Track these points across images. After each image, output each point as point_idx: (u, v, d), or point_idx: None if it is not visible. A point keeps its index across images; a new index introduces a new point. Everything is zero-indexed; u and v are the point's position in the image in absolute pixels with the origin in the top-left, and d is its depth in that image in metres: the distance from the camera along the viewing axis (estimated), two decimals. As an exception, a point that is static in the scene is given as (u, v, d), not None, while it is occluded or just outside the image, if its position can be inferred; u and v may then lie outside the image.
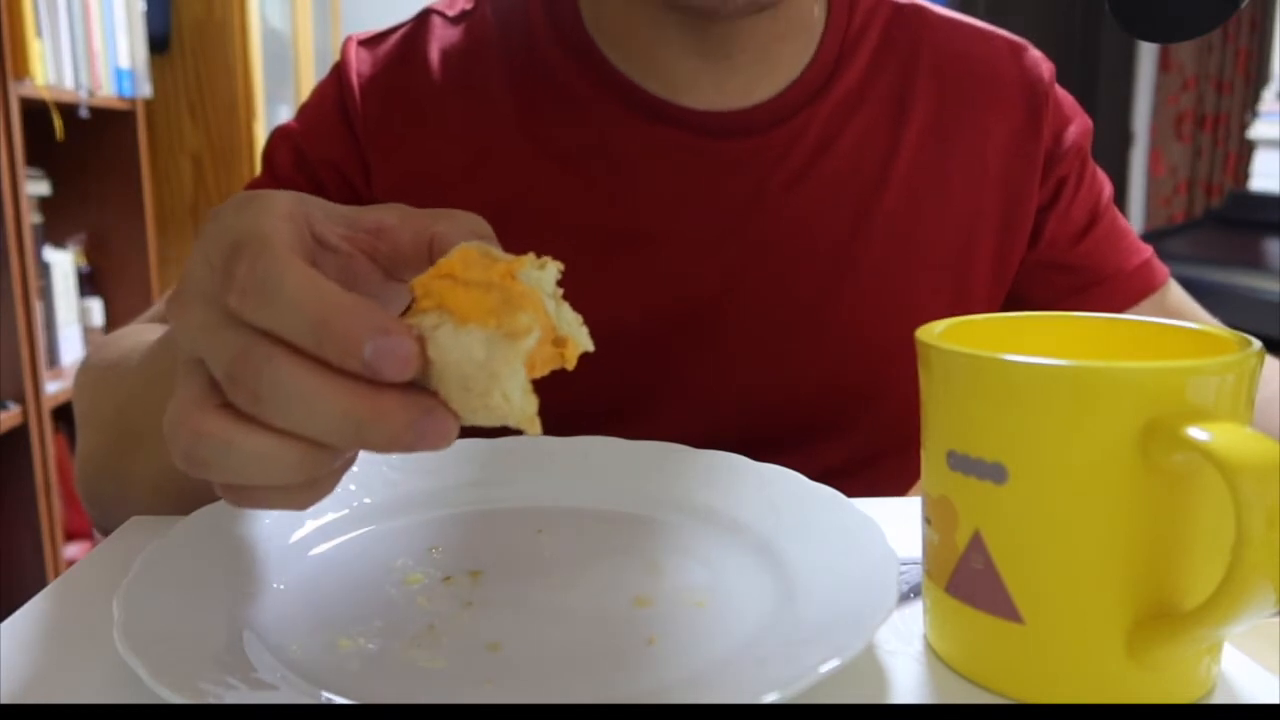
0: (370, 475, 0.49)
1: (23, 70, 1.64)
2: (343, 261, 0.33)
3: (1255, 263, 2.36)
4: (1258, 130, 2.77)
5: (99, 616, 0.39)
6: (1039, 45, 0.69)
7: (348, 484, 0.48)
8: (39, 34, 1.69)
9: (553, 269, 0.32)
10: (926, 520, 0.36)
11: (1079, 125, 0.67)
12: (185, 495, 0.47)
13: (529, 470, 0.51)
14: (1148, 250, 0.70)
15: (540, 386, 0.31)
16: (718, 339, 0.62)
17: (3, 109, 1.57)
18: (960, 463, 0.34)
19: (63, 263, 1.88)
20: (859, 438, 0.65)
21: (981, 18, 0.70)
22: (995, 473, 0.33)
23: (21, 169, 1.60)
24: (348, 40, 0.66)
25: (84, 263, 2.01)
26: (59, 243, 1.95)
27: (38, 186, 1.85)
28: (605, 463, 0.51)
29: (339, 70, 0.65)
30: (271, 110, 2.47)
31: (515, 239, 0.38)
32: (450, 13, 0.66)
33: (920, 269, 0.64)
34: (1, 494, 1.68)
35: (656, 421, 0.62)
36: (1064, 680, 0.33)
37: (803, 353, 0.63)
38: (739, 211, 0.62)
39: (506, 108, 0.63)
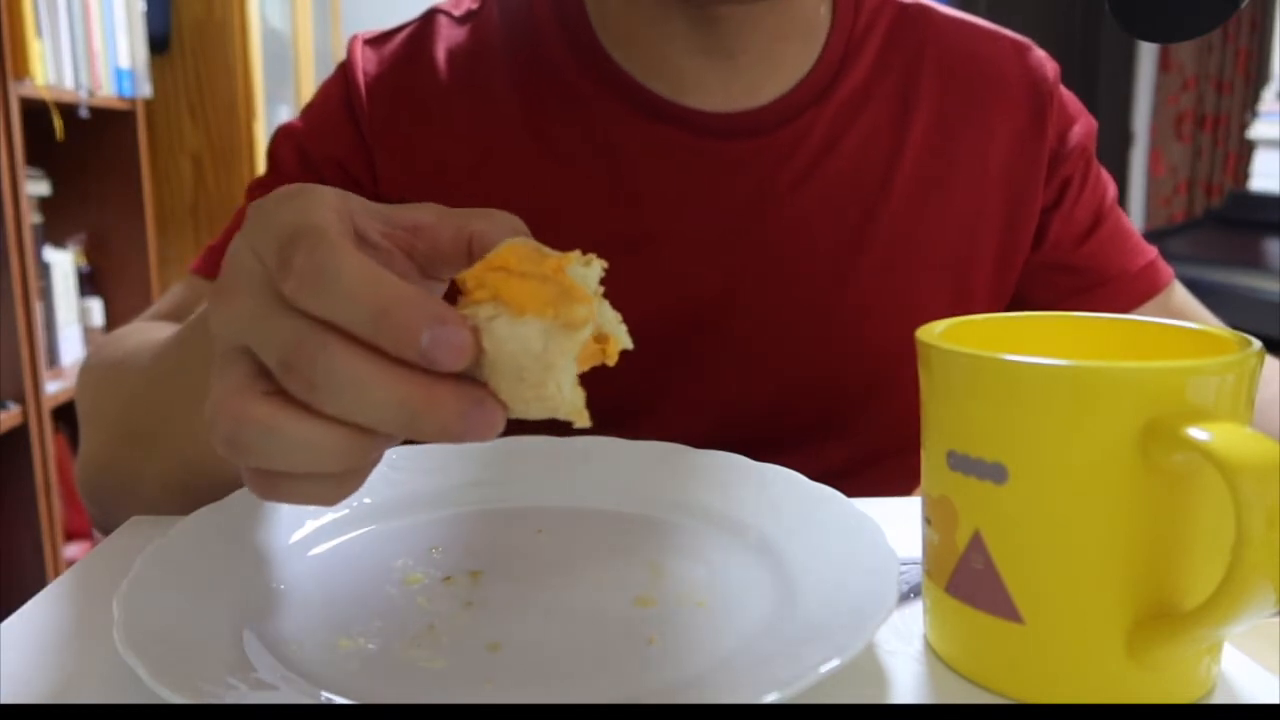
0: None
1: (23, 70, 1.64)
2: (382, 258, 0.34)
3: (1255, 263, 2.36)
4: (1258, 130, 2.77)
5: (99, 616, 0.39)
6: (1039, 45, 0.69)
7: (348, 484, 0.48)
8: (39, 34, 1.69)
9: (597, 266, 0.32)
10: (926, 520, 0.36)
11: (1084, 126, 0.67)
12: (192, 493, 0.47)
13: (529, 470, 0.51)
14: (1152, 252, 0.70)
15: None
16: (720, 339, 0.62)
17: (3, 109, 1.57)
18: (960, 463, 0.34)
19: (63, 263, 1.88)
20: (861, 438, 0.65)
21: (982, 17, 0.70)
22: (995, 473, 0.33)
23: (21, 169, 1.60)
24: (353, 39, 0.66)
25: (84, 263, 2.01)
26: (59, 243, 1.95)
27: (38, 186, 1.85)
28: (605, 463, 0.51)
29: (345, 69, 0.65)
30: (271, 110, 2.47)
31: None
32: (456, 12, 0.67)
33: (923, 269, 0.64)
34: (1, 494, 1.68)
35: (658, 421, 0.62)
36: (1064, 680, 0.33)
37: (805, 353, 0.63)
38: (743, 212, 0.62)
39: (512, 108, 0.63)
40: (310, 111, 0.66)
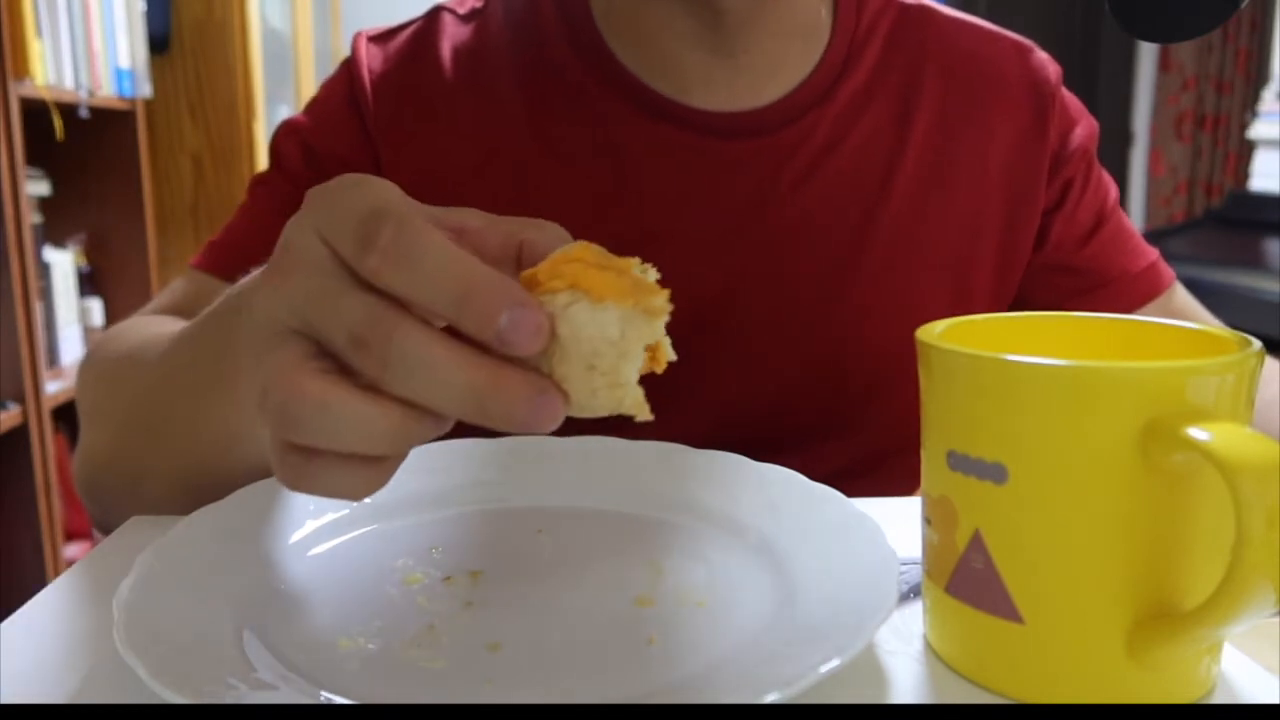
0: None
1: (23, 70, 1.64)
2: None
3: (1255, 263, 2.36)
4: (1258, 130, 2.77)
5: (99, 616, 0.40)
6: (1039, 45, 0.69)
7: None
8: (39, 34, 1.69)
9: (652, 274, 0.33)
10: (926, 520, 0.36)
11: (1085, 127, 0.67)
12: (194, 492, 0.47)
13: (529, 470, 0.51)
14: (1154, 253, 0.70)
15: None
16: (721, 339, 0.62)
17: (3, 109, 1.57)
18: (960, 463, 0.34)
19: (63, 263, 1.88)
20: (862, 438, 0.65)
21: (982, 18, 0.70)
22: (995, 473, 0.33)
23: (21, 169, 1.60)
24: (358, 36, 0.66)
25: (84, 263, 2.01)
26: (59, 243, 1.95)
27: (38, 186, 1.85)
28: (605, 463, 0.51)
29: (349, 66, 0.65)
30: (271, 110, 2.47)
31: None
32: (461, 10, 0.67)
33: (923, 269, 0.64)
34: (1, 494, 1.68)
35: (658, 421, 0.61)
36: (1064, 680, 0.33)
37: (806, 352, 0.63)
38: (744, 212, 0.62)
39: (515, 106, 0.63)
40: (314, 107, 0.66)
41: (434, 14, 0.67)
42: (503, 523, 0.48)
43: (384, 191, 0.32)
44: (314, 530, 0.45)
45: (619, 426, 0.54)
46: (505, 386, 0.29)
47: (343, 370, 0.31)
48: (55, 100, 1.73)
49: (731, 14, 0.60)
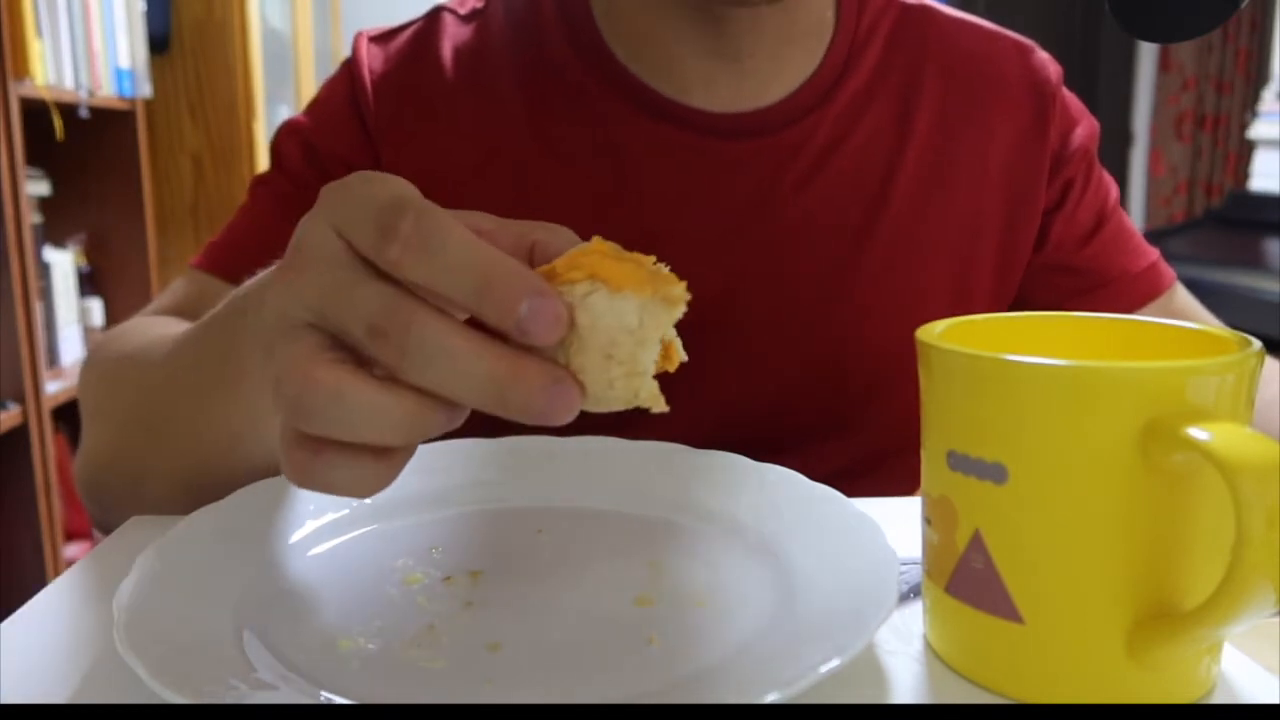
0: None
1: (23, 70, 1.64)
2: None
3: (1255, 263, 2.36)
4: (1258, 130, 2.77)
5: (99, 616, 0.40)
6: (1040, 45, 0.69)
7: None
8: (39, 34, 1.69)
9: (667, 270, 0.33)
10: (926, 520, 0.36)
11: (1086, 127, 0.67)
12: (195, 492, 0.47)
13: (529, 470, 0.51)
14: (1154, 253, 0.70)
15: None
16: (722, 339, 0.62)
17: (3, 109, 1.57)
18: (960, 463, 0.34)
19: (63, 263, 1.88)
20: (863, 438, 0.65)
21: (982, 17, 0.70)
22: (995, 473, 0.33)
23: (21, 169, 1.60)
24: (359, 36, 0.67)
25: (84, 263, 2.01)
26: (59, 243, 1.95)
27: (38, 186, 1.85)
28: (605, 463, 0.51)
29: (350, 66, 0.65)
30: (271, 110, 2.47)
31: None
32: (461, 10, 0.67)
33: (924, 269, 0.64)
34: (1, 494, 1.68)
35: (658, 421, 0.62)
36: (1064, 680, 0.33)
37: (807, 353, 0.63)
38: (745, 212, 0.62)
39: (516, 107, 0.63)
40: (315, 107, 0.66)
41: (434, 14, 0.67)
42: (503, 523, 0.48)
43: (401, 184, 0.32)
44: (314, 530, 0.45)
45: (620, 426, 0.54)
46: (523, 376, 0.29)
47: (358, 362, 0.31)
48: (55, 100, 1.73)
49: (734, 19, 0.60)
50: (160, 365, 0.50)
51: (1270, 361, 0.61)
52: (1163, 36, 0.45)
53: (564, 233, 0.35)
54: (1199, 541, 0.32)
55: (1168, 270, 0.70)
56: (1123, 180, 3.66)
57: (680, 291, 0.31)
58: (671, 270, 0.32)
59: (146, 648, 0.32)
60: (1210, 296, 0.85)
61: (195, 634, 0.35)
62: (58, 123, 1.77)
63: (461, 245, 0.30)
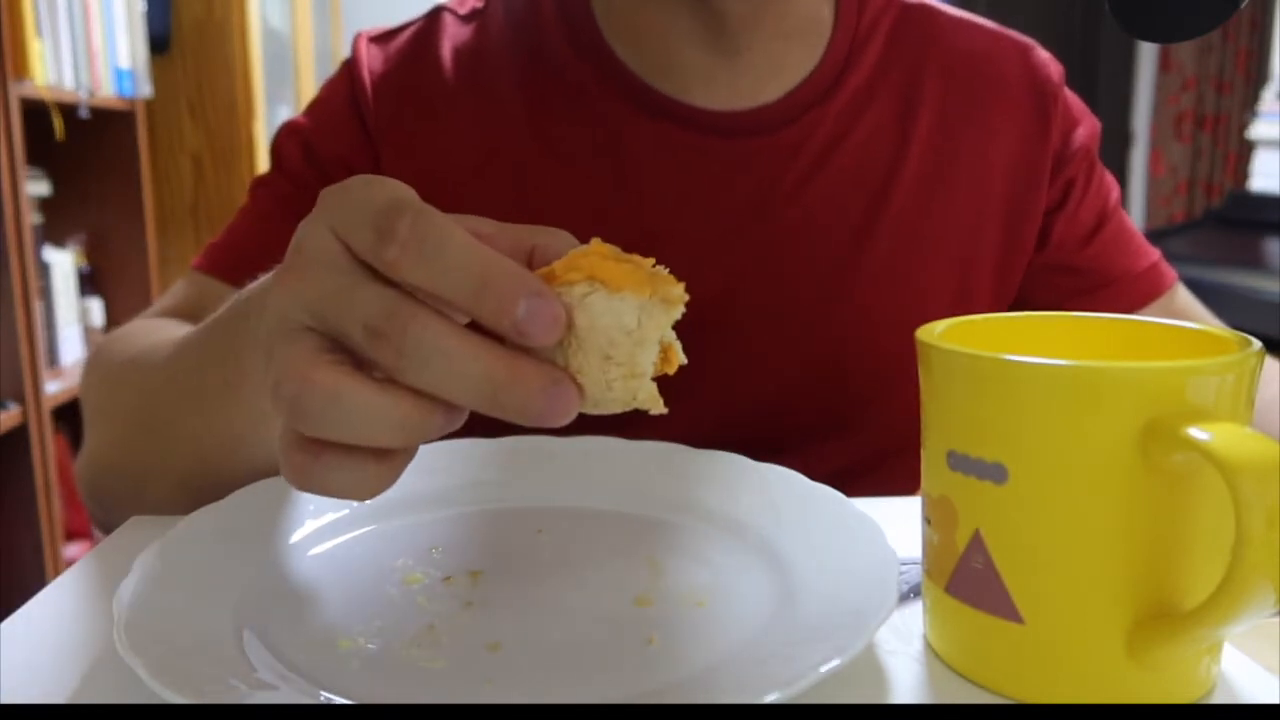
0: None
1: (23, 70, 1.64)
2: None
3: (1255, 263, 2.36)
4: (1258, 130, 2.77)
5: (99, 616, 0.40)
6: (1040, 45, 0.69)
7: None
8: (39, 34, 1.69)
9: (666, 272, 0.33)
10: (926, 520, 0.36)
11: (1087, 127, 0.67)
12: (195, 493, 0.47)
13: (529, 470, 0.51)
14: (1156, 253, 0.70)
15: None
16: (722, 338, 0.62)
17: (3, 109, 1.57)
18: (960, 463, 0.34)
19: (63, 263, 1.88)
20: (863, 438, 0.65)
21: (982, 17, 0.70)
22: (995, 473, 0.33)
23: (21, 169, 1.60)
24: (358, 36, 0.67)
25: (84, 263, 2.01)
26: (59, 243, 1.95)
27: (38, 186, 1.85)
28: (605, 463, 0.51)
29: (350, 66, 0.65)
30: (271, 110, 2.47)
31: None
32: (461, 10, 0.67)
33: (925, 269, 0.64)
34: (1, 494, 1.68)
35: (659, 422, 0.62)
36: (1064, 680, 0.33)
37: (807, 352, 0.63)
38: (746, 211, 0.62)
39: (516, 106, 0.63)
40: (315, 108, 0.66)
41: (434, 14, 0.67)
42: (503, 523, 0.48)
43: (399, 187, 0.32)
44: (314, 530, 0.45)
45: (620, 426, 0.54)
46: (521, 377, 0.29)
47: (357, 364, 0.31)
48: (55, 100, 1.73)
49: (733, 15, 0.60)
50: (162, 368, 0.50)
51: (1270, 361, 0.61)
52: (1163, 36, 0.45)
53: (564, 236, 0.35)
54: (1199, 541, 0.32)
55: (1169, 270, 0.70)
56: (1123, 180, 3.66)
57: (679, 292, 0.31)
58: (671, 270, 0.32)
59: (146, 648, 0.32)
60: (1210, 296, 0.85)
61: (195, 634, 0.35)
62: (58, 123, 1.77)
63: (459, 247, 0.30)
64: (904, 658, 0.37)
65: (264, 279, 0.41)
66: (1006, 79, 0.66)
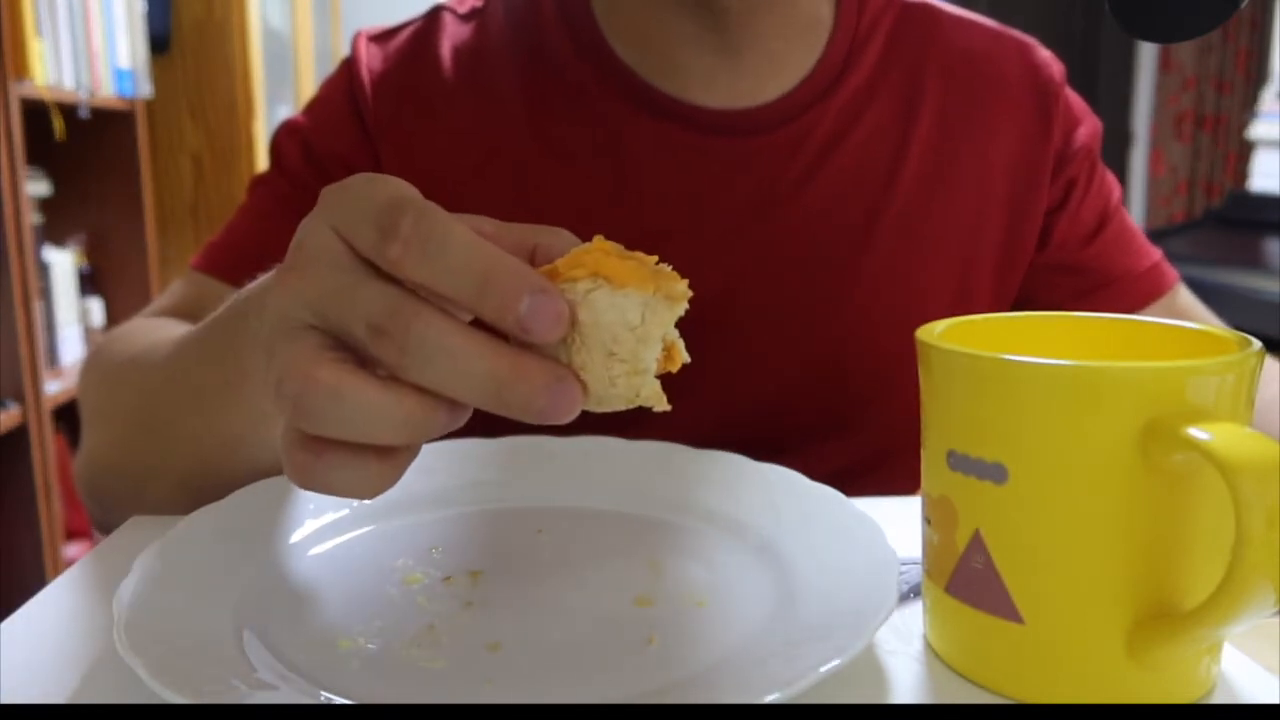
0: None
1: (23, 70, 1.64)
2: None
3: (1255, 263, 2.36)
4: (1258, 130, 2.76)
5: (99, 616, 0.40)
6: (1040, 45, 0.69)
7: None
8: (39, 34, 1.69)
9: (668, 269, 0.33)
10: (926, 520, 0.36)
11: (1089, 127, 0.67)
12: (195, 493, 0.47)
13: (529, 470, 0.51)
14: (1157, 253, 0.70)
15: None
16: (723, 338, 0.62)
17: (3, 109, 1.57)
18: (960, 463, 0.34)
19: (63, 263, 1.87)
20: (864, 438, 0.65)
21: (983, 16, 0.70)
22: (995, 473, 0.33)
23: (21, 169, 1.60)
24: (358, 35, 0.67)
25: (84, 263, 2.01)
26: (59, 243, 1.95)
27: (38, 186, 1.85)
28: (605, 463, 0.51)
29: (349, 65, 0.65)
30: (271, 110, 2.47)
31: None
32: (461, 10, 0.67)
33: (926, 268, 0.64)
34: (1, 494, 1.68)
35: (659, 422, 0.62)
36: (1064, 680, 0.33)
37: (808, 352, 0.63)
38: (746, 210, 0.62)
39: (516, 106, 0.63)
40: (314, 107, 0.66)
41: (434, 13, 0.67)
42: (503, 523, 0.48)
43: (401, 185, 0.32)
44: (314, 530, 0.45)
45: (620, 425, 0.54)
46: (524, 374, 0.29)
47: (359, 362, 0.31)
48: (55, 100, 1.73)
49: (733, 14, 0.60)
50: (161, 367, 0.50)
51: (1270, 361, 0.61)
52: (1163, 36, 0.45)
53: (566, 236, 0.35)
54: (1199, 541, 0.32)
55: (1170, 271, 0.70)
56: (1123, 180, 3.66)
57: (682, 289, 0.31)
58: (674, 269, 0.32)
59: (146, 648, 0.32)
60: (1210, 296, 0.85)
61: (195, 634, 0.35)
62: (58, 123, 1.77)
63: (462, 244, 0.30)
64: (904, 658, 0.37)
65: (263, 278, 0.41)
66: (1007, 78, 0.66)
